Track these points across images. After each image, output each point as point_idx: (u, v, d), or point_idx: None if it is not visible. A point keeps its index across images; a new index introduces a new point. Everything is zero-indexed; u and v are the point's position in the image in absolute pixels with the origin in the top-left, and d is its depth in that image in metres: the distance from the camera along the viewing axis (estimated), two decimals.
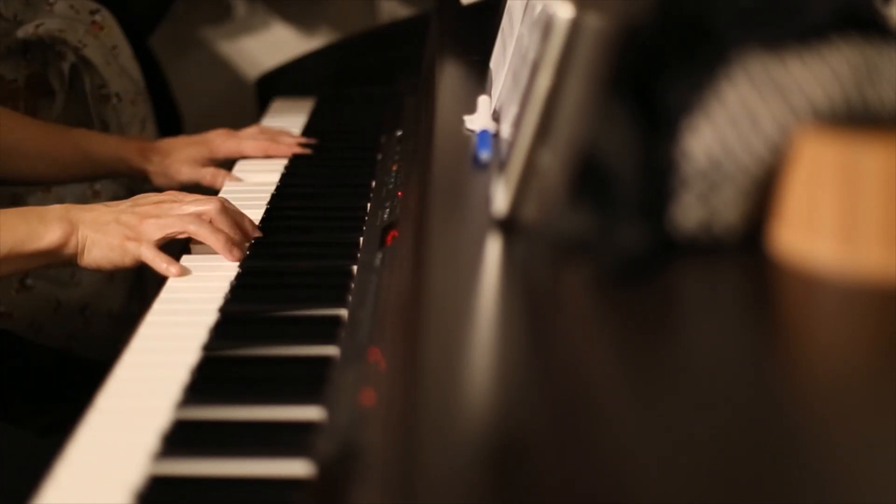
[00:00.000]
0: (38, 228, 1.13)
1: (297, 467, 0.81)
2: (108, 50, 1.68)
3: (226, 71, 2.19)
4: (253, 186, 1.48)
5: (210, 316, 1.05)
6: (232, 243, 1.18)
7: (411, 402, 0.67)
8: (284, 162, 1.57)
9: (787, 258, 0.76)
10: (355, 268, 1.16)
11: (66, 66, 1.65)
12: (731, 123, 0.77)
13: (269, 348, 0.99)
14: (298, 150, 1.60)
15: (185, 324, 1.04)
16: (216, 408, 0.89)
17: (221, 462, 0.82)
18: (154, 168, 1.52)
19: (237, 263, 1.17)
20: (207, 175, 1.52)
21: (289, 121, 1.77)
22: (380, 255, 1.15)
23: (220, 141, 1.57)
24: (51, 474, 0.80)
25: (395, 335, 0.90)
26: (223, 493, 0.80)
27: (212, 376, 0.94)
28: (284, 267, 1.19)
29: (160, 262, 1.14)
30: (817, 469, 0.56)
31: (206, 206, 1.18)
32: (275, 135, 1.62)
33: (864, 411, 0.60)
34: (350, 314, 1.04)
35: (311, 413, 0.87)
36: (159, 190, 1.38)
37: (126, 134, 1.67)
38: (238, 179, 1.51)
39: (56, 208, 1.16)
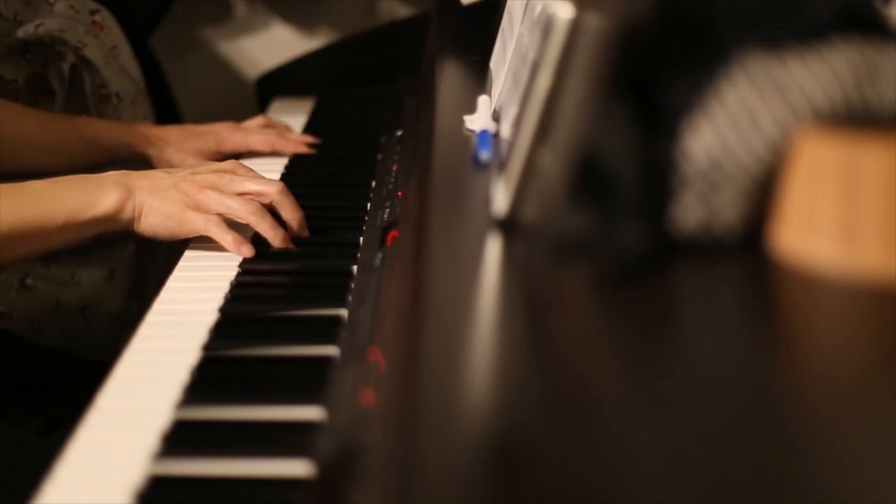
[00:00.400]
0: (94, 195, 1.12)
1: (297, 467, 0.81)
2: (108, 50, 1.68)
3: (226, 71, 2.19)
4: None
5: (210, 316, 1.05)
6: (289, 239, 1.18)
7: (411, 402, 0.67)
8: (284, 162, 1.57)
9: (787, 258, 0.76)
10: (355, 268, 1.16)
11: (66, 66, 1.65)
12: (731, 123, 0.77)
13: (269, 348, 0.99)
14: (304, 148, 1.59)
15: (185, 324, 1.04)
16: (216, 408, 0.89)
17: (221, 462, 0.82)
18: (158, 154, 1.51)
19: (237, 263, 1.16)
20: None
21: (289, 121, 1.77)
22: (380, 255, 1.15)
23: (228, 134, 1.56)
24: (51, 474, 0.80)
25: (395, 335, 0.90)
26: (223, 493, 0.80)
27: (212, 376, 0.94)
28: (284, 267, 1.19)
29: (231, 241, 1.14)
30: (817, 469, 0.56)
31: (269, 186, 1.18)
32: (282, 130, 1.62)
33: (864, 411, 0.60)
34: (350, 314, 1.04)
35: (311, 413, 0.87)
36: None
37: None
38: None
39: (112, 174, 1.16)
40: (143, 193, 1.14)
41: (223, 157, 1.55)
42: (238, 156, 1.57)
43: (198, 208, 1.14)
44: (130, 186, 1.14)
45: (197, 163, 1.51)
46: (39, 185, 1.14)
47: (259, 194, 1.18)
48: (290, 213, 1.20)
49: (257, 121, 1.63)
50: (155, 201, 1.14)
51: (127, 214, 1.14)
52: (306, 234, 1.22)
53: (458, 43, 1.52)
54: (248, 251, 1.14)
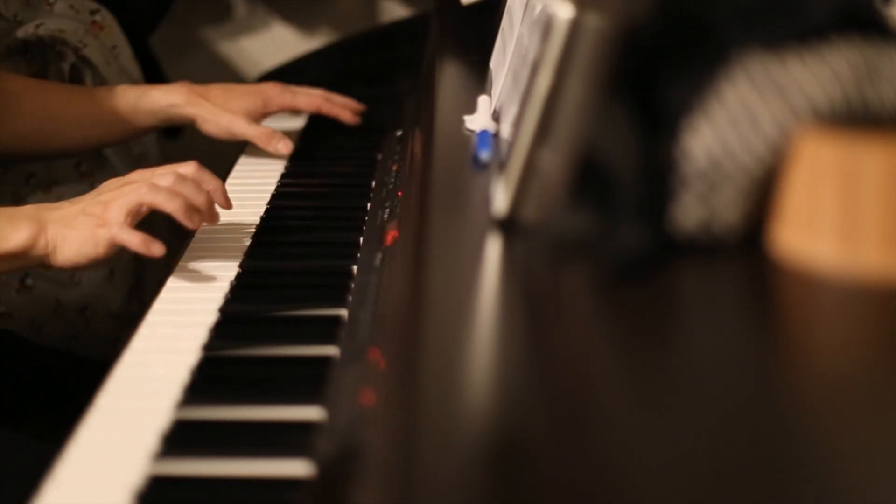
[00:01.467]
0: (5, 229, 1.09)
1: (297, 467, 0.81)
2: (108, 50, 1.68)
3: (226, 71, 2.19)
4: (255, 182, 1.48)
5: (210, 316, 1.05)
6: (191, 209, 1.11)
7: (411, 402, 0.67)
8: (285, 162, 1.57)
9: (787, 258, 0.76)
10: (355, 268, 1.16)
11: (66, 66, 1.65)
12: (731, 123, 0.77)
13: (269, 348, 0.99)
14: (349, 115, 1.57)
15: (185, 324, 1.04)
16: (216, 408, 0.89)
17: (221, 462, 0.82)
18: (205, 114, 1.47)
19: (237, 263, 1.16)
20: (262, 135, 1.47)
21: (289, 121, 1.77)
22: (380, 255, 1.15)
23: (275, 93, 1.53)
24: (51, 474, 0.80)
25: (395, 335, 0.90)
26: (223, 493, 0.80)
27: (212, 376, 0.94)
28: (284, 267, 1.19)
29: (139, 243, 1.08)
30: (817, 469, 0.56)
31: (165, 178, 1.12)
32: (328, 95, 1.59)
33: (864, 411, 0.61)
34: (350, 314, 1.04)
35: (311, 413, 0.87)
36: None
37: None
38: (290, 149, 1.48)
39: (26, 208, 1.13)
40: (55, 226, 1.10)
41: (267, 116, 1.52)
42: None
43: (106, 224, 1.10)
44: (42, 220, 1.10)
45: (246, 126, 1.47)
46: None
47: (157, 186, 1.11)
48: (192, 195, 1.12)
49: (304, 88, 1.61)
50: (67, 230, 1.10)
51: (40, 250, 1.10)
52: (215, 219, 1.15)
53: (458, 43, 1.52)
54: (157, 249, 1.07)
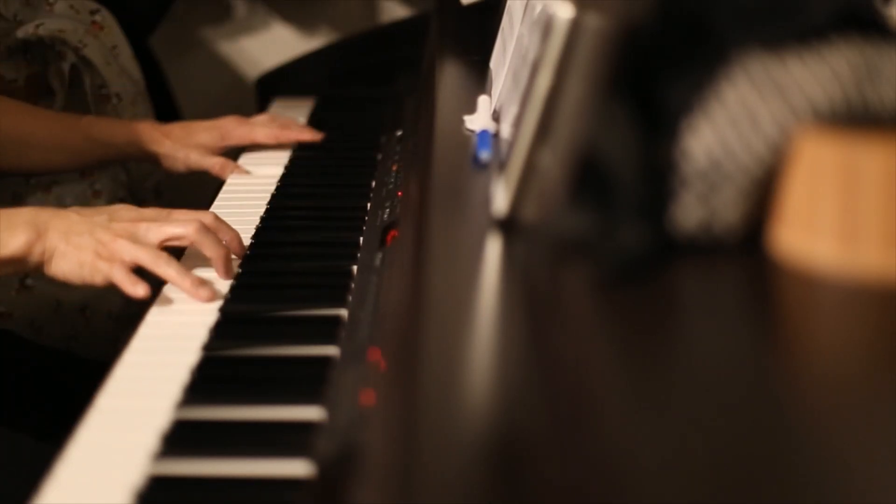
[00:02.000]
0: (2, 235, 1.07)
1: (297, 467, 0.81)
2: (108, 50, 1.68)
3: (226, 71, 2.19)
4: (255, 182, 1.48)
5: (210, 316, 1.05)
6: (200, 283, 1.09)
7: (411, 402, 0.67)
8: (285, 161, 1.57)
9: (787, 258, 0.76)
10: (355, 268, 1.16)
11: (66, 66, 1.65)
12: (731, 123, 0.77)
13: (269, 348, 0.99)
14: (307, 137, 1.62)
15: (185, 324, 1.04)
16: (216, 408, 0.89)
17: (221, 462, 0.82)
18: (164, 151, 1.53)
19: (237, 263, 1.16)
20: (216, 165, 1.53)
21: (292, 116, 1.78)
22: (380, 255, 1.15)
23: (232, 127, 1.57)
24: (51, 474, 0.80)
25: (394, 335, 0.90)
26: (223, 493, 0.80)
27: (212, 376, 0.94)
28: (284, 267, 1.19)
29: (128, 285, 1.06)
30: (817, 469, 0.56)
31: (187, 228, 1.11)
32: (285, 123, 1.64)
33: (863, 411, 0.61)
34: (350, 314, 1.04)
35: (311, 413, 0.87)
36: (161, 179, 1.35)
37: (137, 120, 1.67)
38: (246, 172, 1.53)
39: (25, 212, 1.11)
40: (55, 236, 1.08)
41: (228, 150, 1.56)
42: (243, 148, 1.59)
43: (110, 258, 1.08)
44: (42, 228, 1.08)
45: (202, 159, 1.53)
46: None
47: (178, 238, 1.12)
48: (211, 252, 1.12)
49: (262, 117, 1.64)
50: (68, 247, 1.08)
51: (35, 258, 1.08)
52: (230, 275, 1.13)
53: (458, 43, 1.52)
54: (142, 292, 1.06)
